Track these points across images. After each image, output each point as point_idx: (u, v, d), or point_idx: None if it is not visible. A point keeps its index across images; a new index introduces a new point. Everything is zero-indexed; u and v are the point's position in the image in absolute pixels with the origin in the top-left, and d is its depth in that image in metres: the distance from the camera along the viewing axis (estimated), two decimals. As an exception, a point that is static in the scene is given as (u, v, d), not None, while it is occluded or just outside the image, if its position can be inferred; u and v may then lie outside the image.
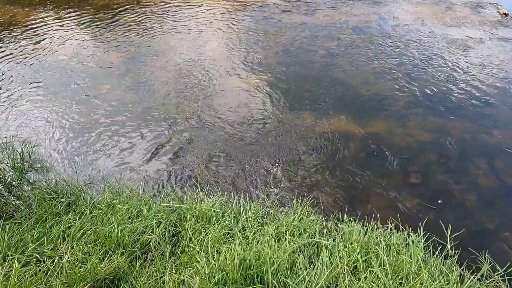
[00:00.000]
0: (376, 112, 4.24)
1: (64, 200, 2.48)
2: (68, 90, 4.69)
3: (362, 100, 4.47)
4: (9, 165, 3.43)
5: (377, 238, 2.07)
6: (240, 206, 2.47)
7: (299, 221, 2.25)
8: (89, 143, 3.78)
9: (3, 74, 5.07)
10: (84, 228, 2.01)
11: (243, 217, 2.24)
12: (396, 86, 4.63)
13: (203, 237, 1.96)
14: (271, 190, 3.08)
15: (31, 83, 4.85)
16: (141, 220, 2.07)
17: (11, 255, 1.72)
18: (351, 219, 2.53)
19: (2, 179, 3.24)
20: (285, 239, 1.91)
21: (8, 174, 3.33)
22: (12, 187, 3.25)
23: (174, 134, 3.86)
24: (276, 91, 4.57)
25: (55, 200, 2.52)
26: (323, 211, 2.92)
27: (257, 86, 4.68)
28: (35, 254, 1.73)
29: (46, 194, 2.63)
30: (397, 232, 2.36)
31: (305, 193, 3.11)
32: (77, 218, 2.17)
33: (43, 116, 4.22)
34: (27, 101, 4.51)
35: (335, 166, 3.48)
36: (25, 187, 3.28)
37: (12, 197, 3.08)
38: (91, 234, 1.96)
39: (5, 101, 4.53)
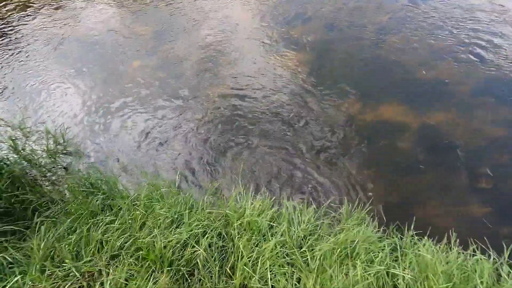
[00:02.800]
0: (436, 100, 3.70)
1: (99, 194, 2.30)
2: (97, 67, 4.47)
3: (418, 84, 3.91)
4: (43, 148, 3.33)
5: (460, 265, 1.73)
6: (290, 211, 2.18)
7: (361, 236, 1.94)
8: (122, 124, 3.58)
9: (26, 51, 4.91)
10: (124, 235, 1.81)
11: (297, 228, 1.95)
12: (460, 69, 4.00)
13: (256, 253, 1.70)
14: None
15: (58, 59, 4.66)
16: (183, 228, 1.85)
17: (48, 269, 1.56)
18: (415, 234, 2.18)
19: (36, 162, 3.15)
20: (354, 265, 1.62)
21: (41, 157, 3.25)
22: (46, 171, 3.17)
23: (207, 117, 3.57)
24: (317, 72, 4.10)
25: (91, 194, 2.35)
26: (377, 218, 2.58)
27: (295, 65, 4.22)
28: (73, 270, 1.56)
29: (81, 186, 2.48)
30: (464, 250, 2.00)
31: (354, 195, 2.78)
32: (115, 220, 1.98)
33: (74, 96, 4.05)
34: (57, 79, 4.34)
35: (388, 163, 3.08)
36: (58, 172, 3.19)
37: (47, 183, 2.99)
38: (131, 243, 1.76)
39: (33, 79, 4.39)
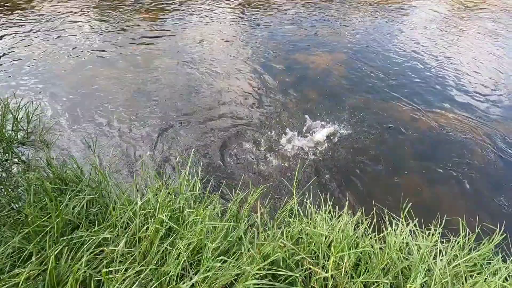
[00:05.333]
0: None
1: (80, 192, 1.33)
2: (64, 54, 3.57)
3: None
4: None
5: None
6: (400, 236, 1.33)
7: None
8: (109, 114, 2.65)
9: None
10: (137, 270, 0.86)
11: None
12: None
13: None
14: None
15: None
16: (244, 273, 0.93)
17: None
18: None
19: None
20: None
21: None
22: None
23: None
24: (358, 72, 3.50)
25: (62, 192, 1.38)
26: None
27: (332, 65, 3.60)
28: None
29: (46, 181, 1.49)
30: None
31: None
32: (115, 237, 1.02)
33: (45, 77, 3.08)
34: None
35: (459, 177, 2.38)
36: (14, 168, 2.13)
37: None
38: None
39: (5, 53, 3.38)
